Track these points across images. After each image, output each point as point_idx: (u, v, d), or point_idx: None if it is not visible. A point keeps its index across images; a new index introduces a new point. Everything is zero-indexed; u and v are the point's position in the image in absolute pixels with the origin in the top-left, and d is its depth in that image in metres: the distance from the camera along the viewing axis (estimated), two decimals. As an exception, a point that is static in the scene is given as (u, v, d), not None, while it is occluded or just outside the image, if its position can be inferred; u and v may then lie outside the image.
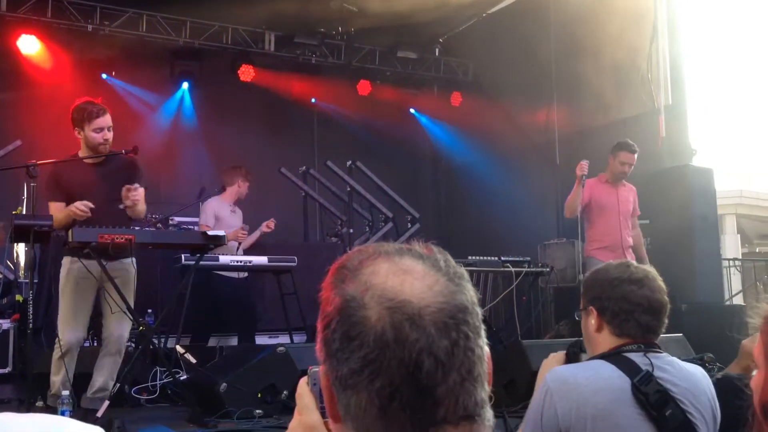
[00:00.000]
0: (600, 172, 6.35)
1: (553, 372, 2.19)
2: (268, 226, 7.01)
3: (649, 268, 2.26)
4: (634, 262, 2.30)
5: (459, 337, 0.83)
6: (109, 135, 4.73)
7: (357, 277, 0.87)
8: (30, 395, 4.60)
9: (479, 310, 0.89)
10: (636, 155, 6.20)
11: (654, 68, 7.93)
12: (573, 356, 2.49)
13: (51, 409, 4.28)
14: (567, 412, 2.06)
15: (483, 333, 0.89)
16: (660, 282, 2.23)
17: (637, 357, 2.15)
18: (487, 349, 0.89)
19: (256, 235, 7.02)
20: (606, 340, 2.23)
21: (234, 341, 6.70)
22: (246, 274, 6.70)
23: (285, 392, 4.50)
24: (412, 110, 11.45)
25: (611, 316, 2.21)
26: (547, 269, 6.08)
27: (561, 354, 2.52)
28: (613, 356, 2.17)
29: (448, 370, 0.82)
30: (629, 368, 2.11)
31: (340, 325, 0.85)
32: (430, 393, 0.81)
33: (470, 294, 0.88)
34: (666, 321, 2.23)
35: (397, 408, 0.81)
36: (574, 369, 2.20)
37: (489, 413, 0.87)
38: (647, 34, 7.90)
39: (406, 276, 0.86)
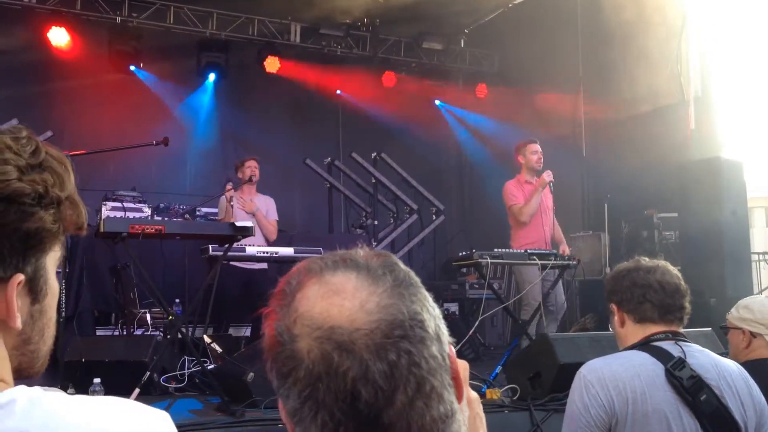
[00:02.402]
0: (624, 164, 6.35)
1: (588, 365, 2.22)
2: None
3: (662, 261, 2.32)
4: (647, 258, 2.36)
5: (399, 356, 0.77)
6: None
7: (290, 304, 0.82)
8: (62, 383, 4.69)
9: (429, 316, 0.82)
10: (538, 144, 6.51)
11: (683, 59, 7.83)
12: None
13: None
14: (610, 399, 2.10)
15: (440, 337, 0.82)
16: (674, 271, 2.28)
17: (667, 345, 2.17)
18: (448, 351, 0.83)
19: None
20: (631, 332, 2.26)
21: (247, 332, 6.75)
22: (265, 265, 6.66)
23: (311, 382, 4.52)
24: (437, 102, 11.42)
25: (626, 303, 2.26)
26: (573, 262, 6.03)
27: None
28: (643, 345, 2.20)
29: (390, 394, 0.76)
30: (661, 355, 2.14)
31: (273, 362, 0.81)
32: (375, 421, 0.77)
33: (414, 302, 0.81)
34: (687, 306, 2.25)
35: None
36: (607, 359, 2.22)
37: (456, 424, 0.81)
38: (677, 23, 7.80)
39: (334, 297, 0.80)
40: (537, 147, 6.53)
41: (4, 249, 0.84)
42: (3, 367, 0.87)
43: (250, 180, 6.66)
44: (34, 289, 0.89)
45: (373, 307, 0.79)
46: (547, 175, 6.37)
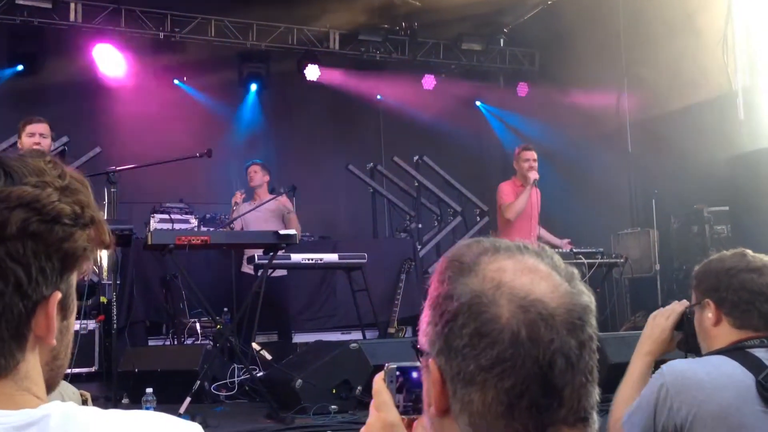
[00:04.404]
0: (671, 159, 6.23)
1: (671, 366, 2.04)
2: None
3: (766, 258, 2.10)
4: (751, 252, 2.13)
5: (585, 338, 0.85)
6: (43, 141, 4.79)
7: (479, 273, 0.87)
8: (116, 393, 4.79)
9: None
10: (533, 151, 6.57)
11: (730, 48, 7.63)
12: (687, 323, 2.23)
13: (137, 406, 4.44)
14: (685, 410, 1.94)
15: None
16: None
17: (760, 352, 1.99)
18: None
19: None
20: (725, 334, 2.08)
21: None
22: (285, 272, 6.72)
23: (359, 388, 4.54)
24: (477, 103, 11.36)
25: (731, 307, 2.05)
26: (621, 260, 5.93)
27: (674, 312, 2.28)
28: (734, 351, 2.02)
29: (576, 372, 0.83)
30: (752, 364, 1.96)
31: (471, 321, 0.84)
32: (558, 394, 0.83)
33: (588, 294, 0.88)
34: None
35: (524, 407, 0.82)
36: (693, 364, 2.05)
37: (596, 414, 0.87)
38: (721, 12, 7.61)
39: (533, 275, 0.86)
40: (530, 154, 6.60)
41: (47, 268, 0.86)
42: (39, 385, 0.89)
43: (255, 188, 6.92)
44: (65, 306, 0.91)
45: (565, 291, 0.86)
46: (533, 174, 6.43)
